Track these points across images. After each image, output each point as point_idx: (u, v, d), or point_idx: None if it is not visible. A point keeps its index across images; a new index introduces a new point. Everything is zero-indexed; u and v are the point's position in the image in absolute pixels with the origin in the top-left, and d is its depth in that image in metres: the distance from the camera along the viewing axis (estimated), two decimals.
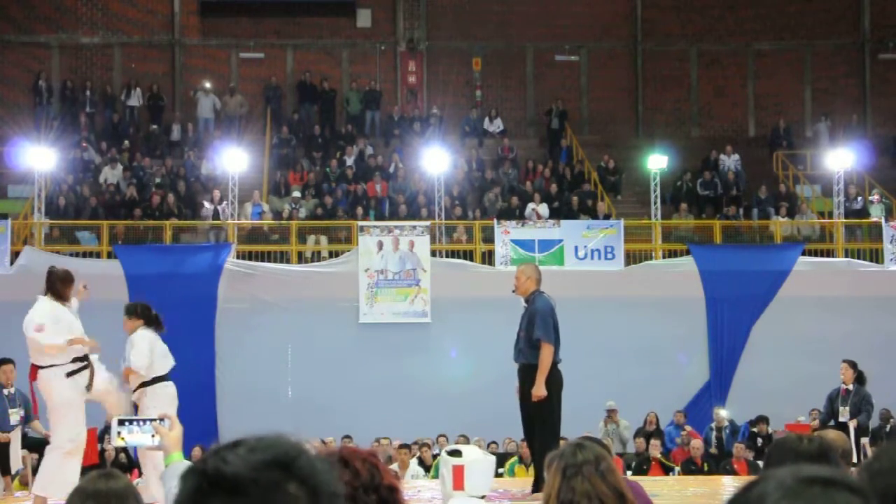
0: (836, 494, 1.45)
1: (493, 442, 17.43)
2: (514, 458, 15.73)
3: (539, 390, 9.43)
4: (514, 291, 9.97)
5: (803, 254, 20.78)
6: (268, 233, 22.01)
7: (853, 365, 13.96)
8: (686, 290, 19.89)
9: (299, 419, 18.83)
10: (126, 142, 25.49)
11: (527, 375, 9.60)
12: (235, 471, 1.55)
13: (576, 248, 20.27)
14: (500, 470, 15.23)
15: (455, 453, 7.56)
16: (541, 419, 9.54)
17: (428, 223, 20.83)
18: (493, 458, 7.94)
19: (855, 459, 12.71)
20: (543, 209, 23.05)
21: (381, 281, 19.77)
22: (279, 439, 1.63)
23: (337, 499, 1.61)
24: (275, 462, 1.57)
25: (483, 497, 7.69)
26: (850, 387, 13.83)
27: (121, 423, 4.80)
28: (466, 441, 15.24)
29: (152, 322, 9.47)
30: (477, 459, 7.54)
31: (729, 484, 11.92)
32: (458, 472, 7.39)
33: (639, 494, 5.21)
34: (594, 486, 3.67)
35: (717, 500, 10.01)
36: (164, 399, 9.27)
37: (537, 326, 9.53)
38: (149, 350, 9.28)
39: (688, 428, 17.90)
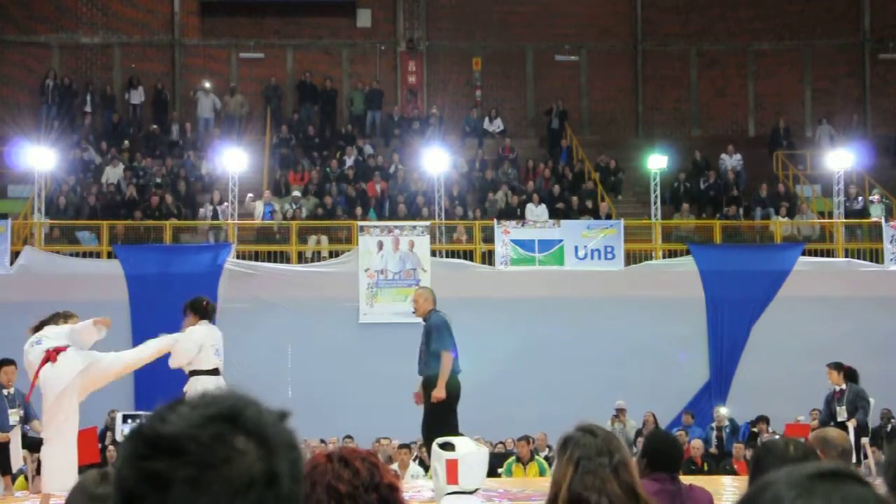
0: (846, 486, 1.46)
1: (501, 442, 17.36)
2: (512, 458, 15.70)
3: (440, 392, 10.15)
4: (413, 313, 10.70)
5: (803, 254, 20.79)
6: (269, 232, 22.01)
7: (837, 366, 13.94)
8: (686, 290, 19.89)
9: (299, 419, 18.59)
10: (126, 142, 25.49)
11: (431, 385, 10.27)
12: (173, 430, 1.43)
13: (576, 248, 20.25)
14: (499, 470, 15.20)
15: (447, 446, 7.47)
16: (438, 422, 10.14)
17: (428, 223, 20.83)
18: (486, 450, 7.88)
19: (855, 459, 12.72)
20: (541, 210, 23.01)
21: (381, 281, 19.77)
22: (225, 393, 1.52)
23: (293, 451, 1.50)
24: (218, 416, 1.46)
25: (476, 490, 7.62)
26: (843, 386, 13.83)
27: (125, 419, 4.78)
28: None
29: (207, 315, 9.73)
30: (470, 452, 7.47)
31: (729, 484, 11.89)
32: (452, 467, 7.33)
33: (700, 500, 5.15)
34: (604, 483, 3.64)
35: (718, 500, 9.96)
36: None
37: (433, 339, 10.30)
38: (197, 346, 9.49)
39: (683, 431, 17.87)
